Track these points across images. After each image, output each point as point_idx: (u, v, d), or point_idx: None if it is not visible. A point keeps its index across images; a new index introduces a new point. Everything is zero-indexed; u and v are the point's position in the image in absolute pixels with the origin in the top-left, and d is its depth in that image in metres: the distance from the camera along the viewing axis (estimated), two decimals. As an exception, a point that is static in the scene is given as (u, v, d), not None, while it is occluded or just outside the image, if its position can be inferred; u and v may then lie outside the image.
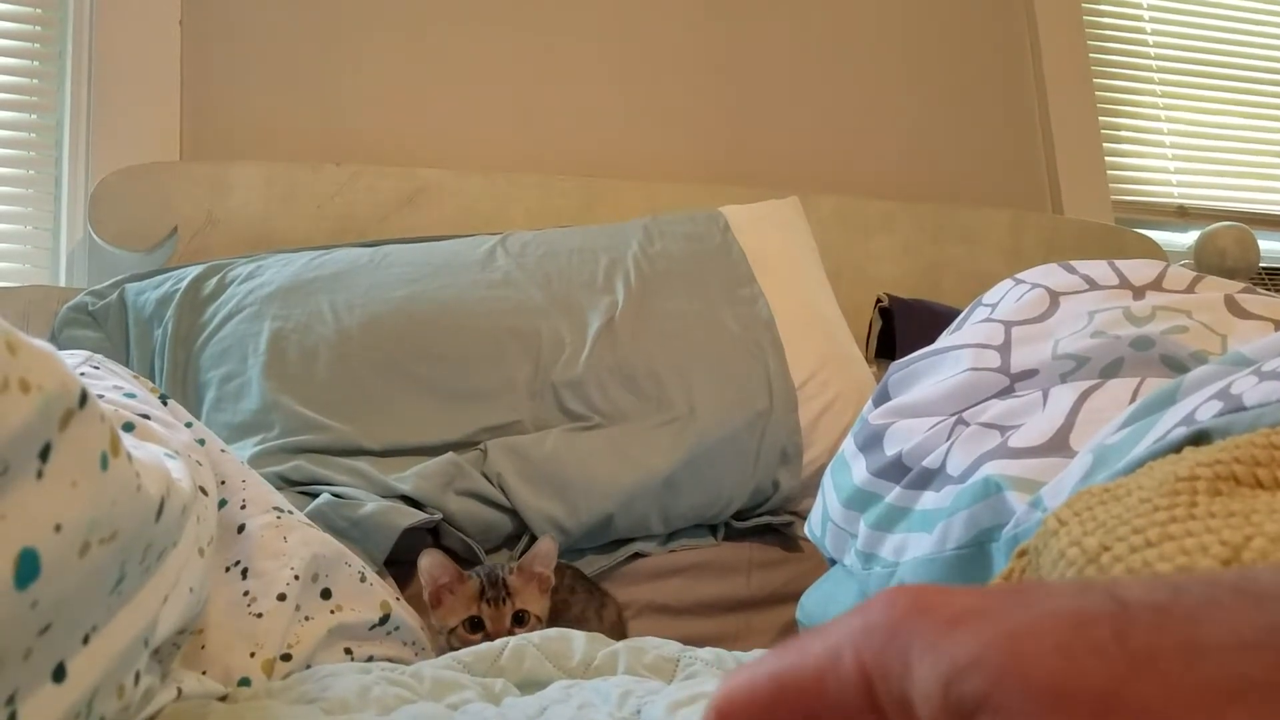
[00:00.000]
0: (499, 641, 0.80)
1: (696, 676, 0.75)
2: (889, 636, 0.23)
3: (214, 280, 1.43)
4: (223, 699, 0.63)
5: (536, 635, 0.82)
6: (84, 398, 0.36)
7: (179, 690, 0.57)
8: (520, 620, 1.07)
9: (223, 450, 0.87)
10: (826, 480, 0.98)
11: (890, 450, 0.87)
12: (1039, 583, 0.24)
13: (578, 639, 0.82)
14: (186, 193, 1.61)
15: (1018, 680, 0.20)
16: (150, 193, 1.59)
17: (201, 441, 0.80)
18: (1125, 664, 0.20)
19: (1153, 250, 2.16)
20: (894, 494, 0.85)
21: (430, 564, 1.08)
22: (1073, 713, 0.20)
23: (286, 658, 0.79)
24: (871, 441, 0.90)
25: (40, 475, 0.34)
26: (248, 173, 1.64)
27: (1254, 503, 0.45)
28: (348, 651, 0.86)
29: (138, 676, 0.46)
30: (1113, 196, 2.38)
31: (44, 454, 0.35)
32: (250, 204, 1.63)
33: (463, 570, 1.09)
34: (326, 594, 0.88)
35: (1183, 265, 1.83)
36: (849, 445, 0.95)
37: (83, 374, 0.75)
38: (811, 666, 0.24)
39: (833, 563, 1.02)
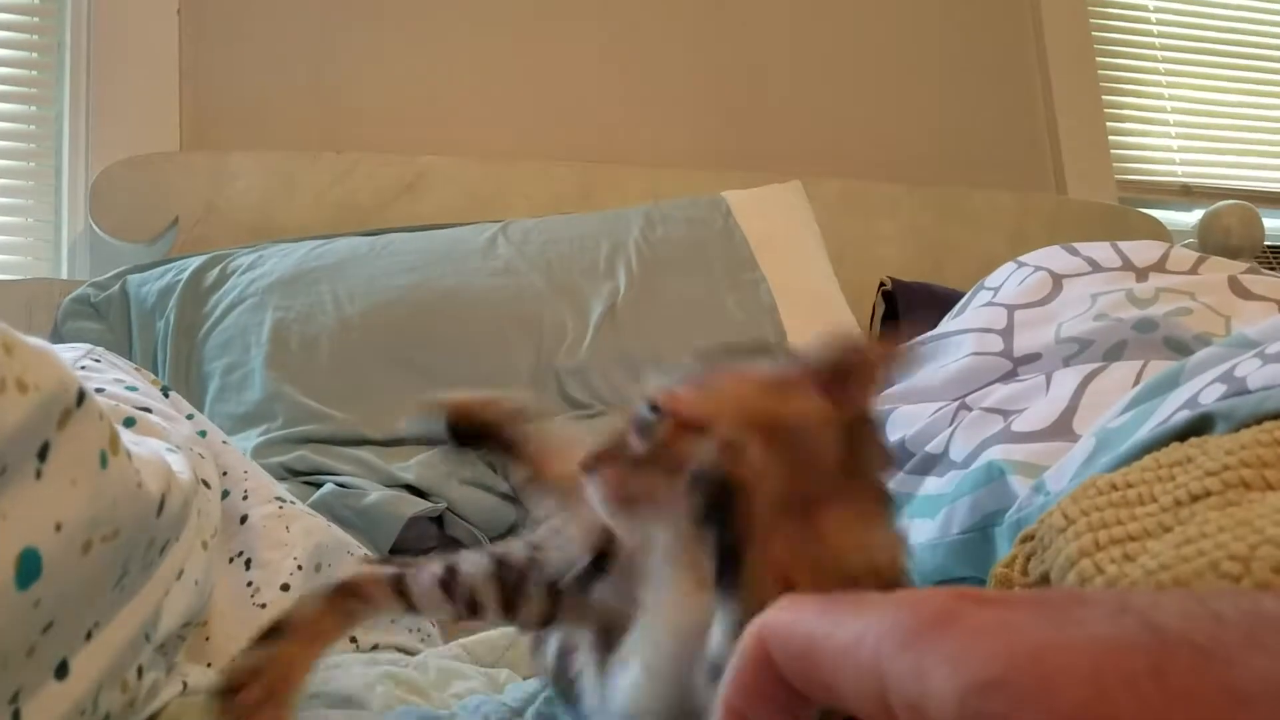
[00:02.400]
0: (507, 630, 0.80)
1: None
2: (909, 640, 0.22)
3: (215, 271, 1.43)
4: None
5: None
6: (82, 396, 0.36)
7: (184, 684, 0.57)
8: None
9: (224, 442, 0.87)
10: (830, 466, 0.98)
11: (893, 435, 0.87)
12: (1071, 596, 0.23)
13: None
14: (186, 183, 1.60)
15: (1043, 708, 0.19)
16: (150, 184, 1.59)
17: (203, 433, 0.80)
18: (1160, 704, 0.19)
19: (1157, 229, 2.15)
20: (897, 479, 0.85)
21: None
22: None
23: None
24: (874, 427, 0.90)
25: (39, 475, 0.34)
26: (247, 162, 1.64)
27: (1260, 507, 0.45)
28: (353, 640, 0.86)
29: (141, 670, 0.46)
30: (1116, 176, 2.37)
31: (42, 453, 0.35)
32: (250, 193, 1.63)
33: None
34: (330, 584, 0.87)
35: (1187, 244, 1.82)
36: (852, 431, 0.94)
37: (83, 367, 0.75)
38: (837, 646, 0.24)
39: (837, 548, 1.02)
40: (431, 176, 1.74)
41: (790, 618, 0.26)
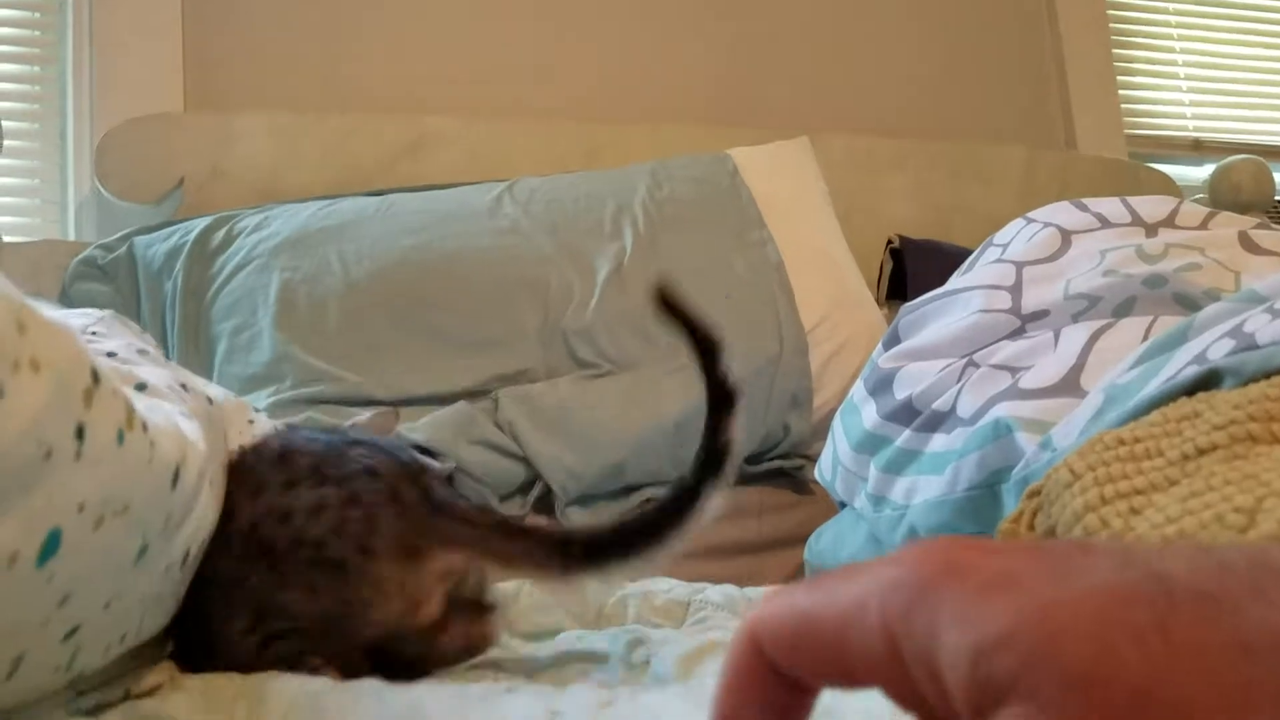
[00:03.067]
0: (512, 588, 0.80)
1: (706, 621, 0.75)
2: (917, 597, 0.22)
3: (222, 232, 1.43)
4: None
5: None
6: (96, 374, 0.36)
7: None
8: None
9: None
10: (836, 424, 0.98)
11: (900, 394, 0.87)
12: (1077, 547, 0.23)
13: (590, 587, 0.82)
14: (191, 144, 1.60)
15: (1050, 663, 0.19)
16: (155, 145, 1.58)
17: (210, 400, 0.80)
18: (1166, 656, 0.19)
19: (1167, 185, 2.13)
20: (904, 437, 0.85)
21: None
22: (1106, 705, 0.19)
23: None
24: (881, 385, 0.90)
25: (78, 456, 0.35)
26: (251, 123, 1.63)
27: (1267, 461, 0.45)
28: None
29: (124, 637, 0.46)
30: (1126, 131, 2.35)
31: (80, 434, 0.35)
32: (255, 154, 1.62)
33: None
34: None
35: (1197, 200, 1.81)
36: (859, 389, 0.95)
37: (95, 333, 0.75)
38: (838, 614, 0.24)
39: (843, 506, 1.02)
40: (436, 136, 1.73)
41: (779, 604, 0.26)
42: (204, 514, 0.52)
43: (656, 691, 0.48)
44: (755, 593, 0.82)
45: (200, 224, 1.44)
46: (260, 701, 0.48)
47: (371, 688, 0.50)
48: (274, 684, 0.50)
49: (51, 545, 0.34)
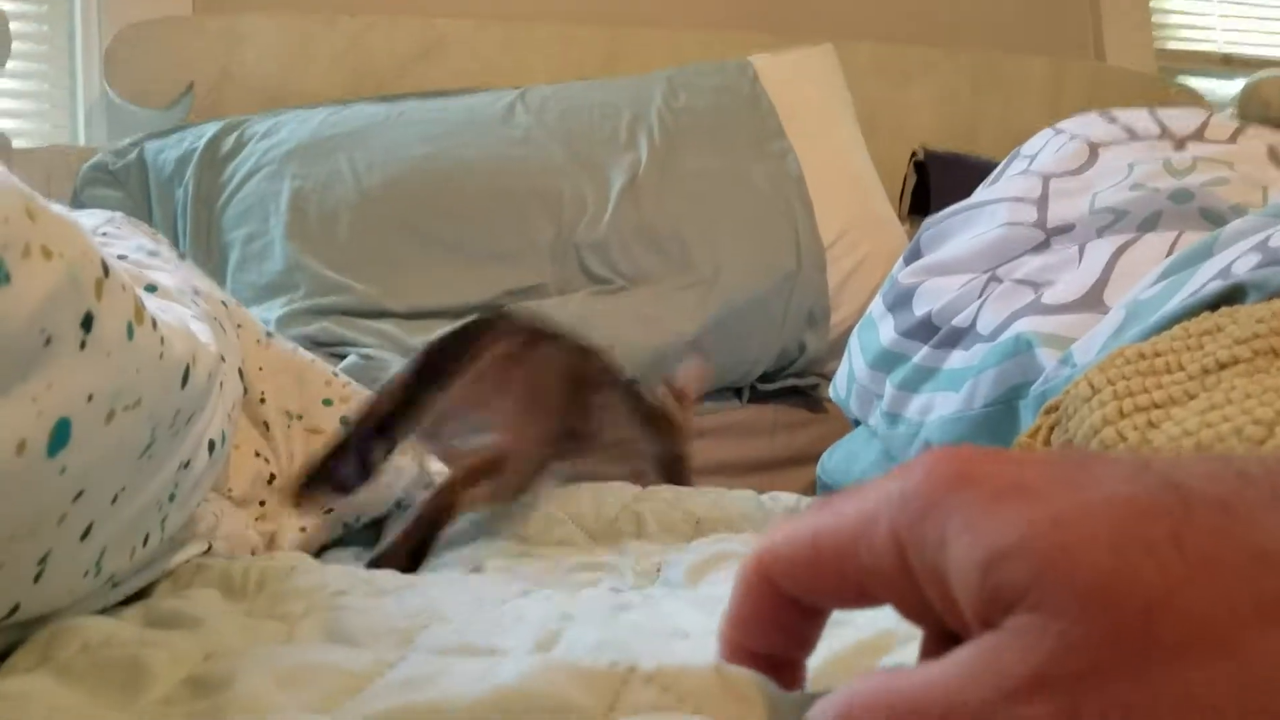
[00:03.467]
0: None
1: (717, 537, 0.76)
2: (926, 507, 0.22)
3: (232, 138, 1.41)
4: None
5: (559, 493, 0.82)
6: (106, 267, 0.36)
7: (209, 545, 0.58)
8: None
9: (239, 326, 0.87)
10: (853, 341, 0.97)
11: (919, 310, 0.86)
12: (1091, 456, 0.22)
13: (606, 502, 0.82)
14: (201, 47, 1.57)
15: (1063, 575, 0.19)
16: (164, 48, 1.55)
17: (224, 302, 0.80)
18: (1180, 568, 0.19)
19: (1196, 100, 2.09)
20: (922, 354, 0.84)
21: None
22: (1118, 616, 0.18)
23: (327, 510, 0.81)
24: (900, 301, 0.89)
25: (83, 346, 0.34)
26: (261, 25, 1.60)
27: None
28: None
29: (147, 539, 0.47)
30: (1156, 44, 2.29)
31: (86, 324, 0.35)
32: (264, 58, 1.59)
33: None
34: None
35: (1226, 115, 1.76)
36: (877, 305, 0.94)
37: (105, 233, 0.75)
38: (847, 530, 0.24)
39: (857, 424, 1.02)
40: (449, 40, 1.69)
41: (787, 532, 0.26)
42: (214, 415, 0.52)
43: (669, 599, 0.48)
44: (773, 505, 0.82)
45: (210, 129, 1.43)
46: (281, 597, 0.48)
47: (391, 585, 0.51)
48: (298, 580, 0.51)
49: (61, 435, 0.34)
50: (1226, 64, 2.40)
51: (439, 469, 0.92)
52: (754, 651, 0.27)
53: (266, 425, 0.86)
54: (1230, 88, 2.33)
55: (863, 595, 0.24)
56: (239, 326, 0.87)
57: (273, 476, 0.82)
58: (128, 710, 0.30)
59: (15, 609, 0.37)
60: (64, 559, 0.38)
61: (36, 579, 0.37)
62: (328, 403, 0.92)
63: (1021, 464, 0.22)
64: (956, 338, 0.81)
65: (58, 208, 0.35)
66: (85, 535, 0.39)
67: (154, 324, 0.40)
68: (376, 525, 0.90)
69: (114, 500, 0.40)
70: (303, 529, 0.77)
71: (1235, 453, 0.42)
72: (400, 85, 1.63)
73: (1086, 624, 0.19)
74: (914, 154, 1.75)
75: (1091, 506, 0.20)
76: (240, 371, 0.79)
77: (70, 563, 0.39)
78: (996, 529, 0.20)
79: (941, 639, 0.23)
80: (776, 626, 0.27)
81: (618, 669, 0.26)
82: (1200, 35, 2.41)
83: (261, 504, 0.81)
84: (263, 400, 0.86)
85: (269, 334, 0.91)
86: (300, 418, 0.90)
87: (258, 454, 0.82)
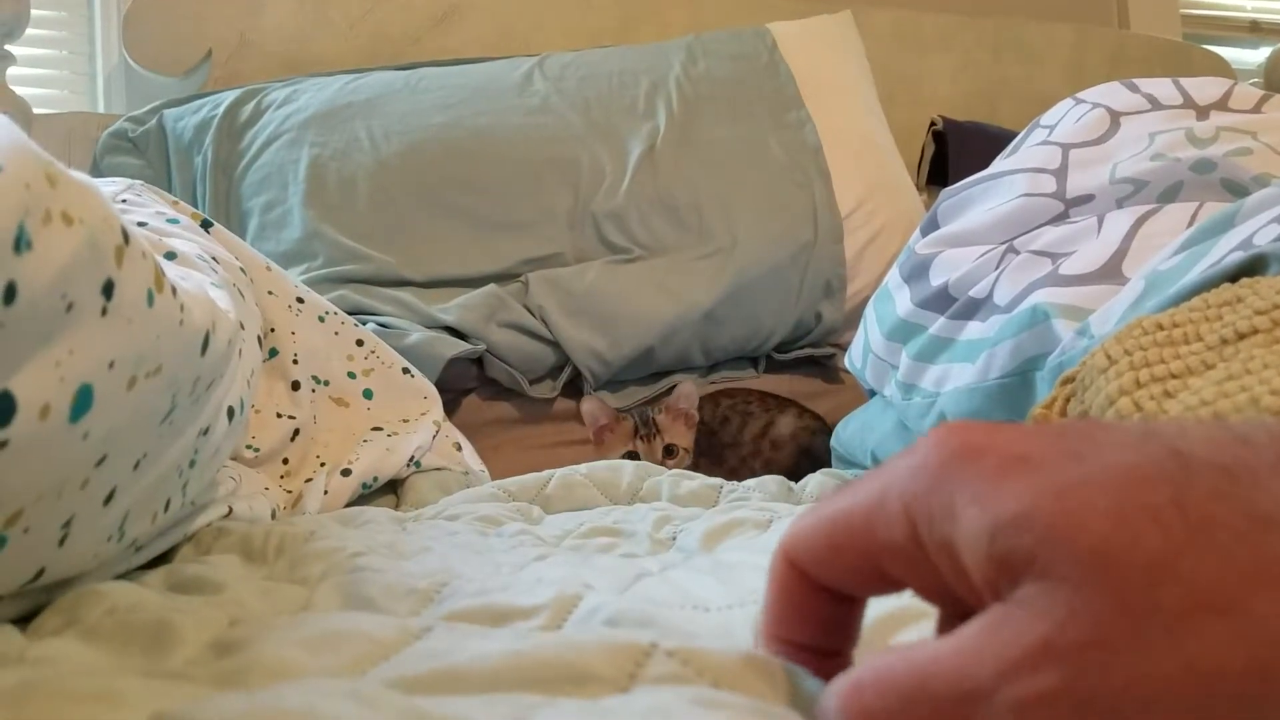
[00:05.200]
0: (545, 473, 0.82)
1: (737, 500, 0.76)
2: (935, 480, 0.22)
3: (250, 105, 1.41)
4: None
5: (584, 466, 0.84)
6: (126, 234, 0.36)
7: (230, 508, 0.59)
8: (670, 453, 1.20)
9: (270, 293, 0.88)
10: (869, 312, 0.97)
11: (936, 280, 0.86)
12: (1096, 426, 0.22)
13: (626, 469, 0.83)
14: (218, 14, 1.57)
15: (1066, 542, 0.19)
16: (182, 14, 1.55)
17: (243, 270, 0.81)
18: (1182, 533, 0.19)
19: (1222, 68, 2.06)
20: (938, 325, 0.84)
21: (591, 408, 1.23)
22: (1121, 582, 0.19)
23: (346, 472, 0.82)
24: (917, 272, 0.89)
25: (105, 312, 0.35)
26: (279, -8, 1.60)
27: None
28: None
29: (168, 504, 0.48)
30: (1181, 10, 2.26)
31: (108, 290, 0.35)
32: (282, 25, 1.59)
33: (618, 412, 1.24)
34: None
35: (1252, 84, 1.74)
36: (893, 276, 0.94)
37: (124, 200, 0.75)
38: (862, 509, 0.24)
39: (872, 394, 1.02)
40: (465, 6, 1.68)
41: (808, 519, 0.26)
42: (233, 382, 0.52)
43: (683, 567, 0.48)
44: (779, 489, 0.83)
45: (229, 97, 1.43)
46: (300, 561, 0.49)
47: (411, 548, 0.52)
48: (317, 543, 0.51)
49: (84, 401, 0.34)
50: (1254, 30, 2.36)
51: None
52: (797, 644, 0.27)
53: (296, 385, 0.87)
54: (1257, 56, 2.29)
55: (882, 575, 0.24)
56: (270, 293, 0.88)
57: (296, 433, 0.83)
58: (154, 673, 0.31)
59: (41, 573, 0.38)
60: (87, 523, 0.39)
61: (61, 543, 0.37)
62: (351, 375, 0.94)
63: (1026, 437, 0.22)
64: (973, 309, 0.80)
65: (78, 174, 0.35)
66: (108, 500, 0.39)
67: (174, 291, 0.41)
68: (392, 485, 0.91)
69: (136, 466, 0.41)
70: (325, 491, 0.78)
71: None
72: (417, 52, 1.62)
73: (1089, 590, 0.19)
74: (932, 123, 1.73)
75: (1095, 475, 0.20)
76: (261, 338, 0.80)
77: (94, 527, 0.39)
78: (1002, 500, 0.21)
79: (956, 617, 0.23)
80: (810, 615, 0.27)
81: (640, 643, 0.27)
82: (1228, 1, 2.37)
83: (285, 462, 0.82)
84: (295, 362, 0.87)
85: (300, 300, 0.92)
86: (327, 384, 0.91)
87: (279, 414, 0.83)
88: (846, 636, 0.27)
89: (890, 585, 0.25)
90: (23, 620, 0.39)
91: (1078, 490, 0.20)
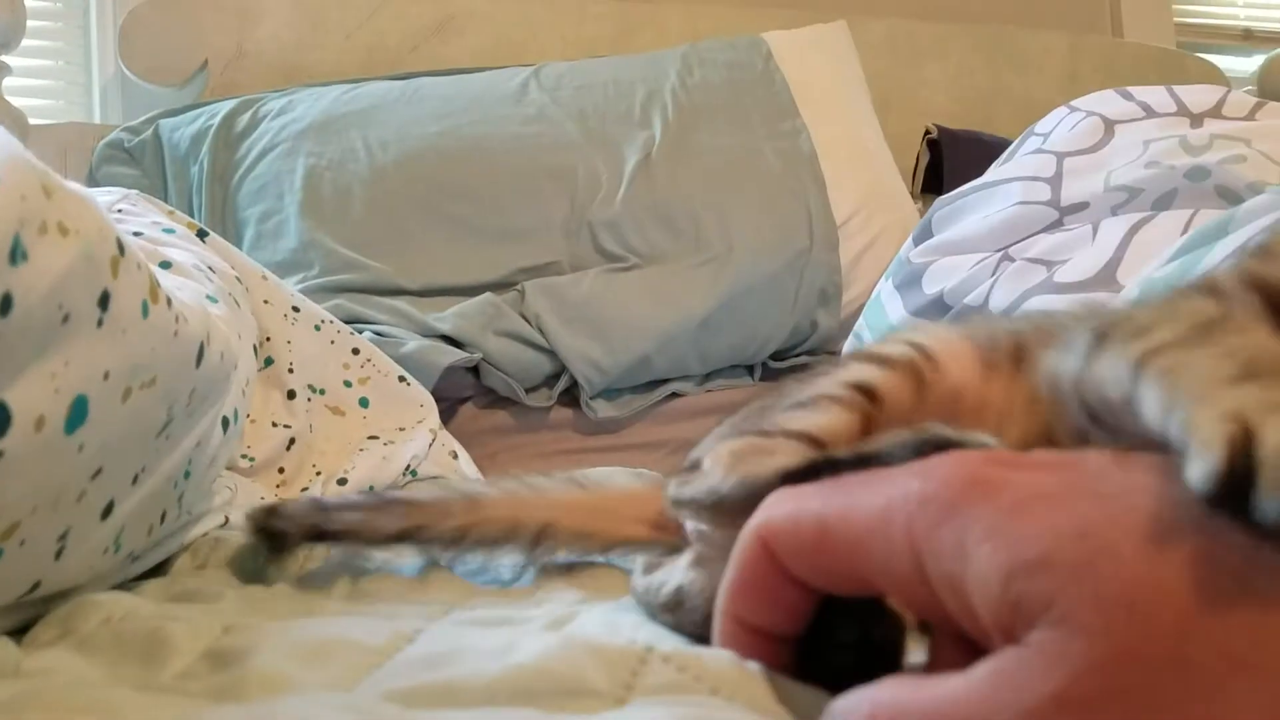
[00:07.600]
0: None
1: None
2: (944, 514, 0.21)
3: (246, 115, 1.41)
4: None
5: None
6: (122, 244, 0.36)
7: (226, 518, 0.59)
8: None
9: (266, 302, 0.88)
10: (861, 322, 0.97)
11: (930, 289, 0.86)
12: (1113, 460, 0.22)
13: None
14: (215, 23, 1.57)
15: (1090, 591, 0.18)
16: (178, 24, 1.56)
17: (239, 279, 0.81)
18: (1213, 587, 0.18)
19: (1215, 76, 2.06)
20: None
21: None
22: (1146, 635, 0.18)
23: (342, 481, 0.82)
24: (910, 280, 0.89)
25: (100, 323, 0.35)
26: (274, 2, 1.60)
27: None
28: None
29: (164, 516, 0.47)
30: (1175, 19, 2.26)
31: (104, 302, 0.35)
32: (279, 35, 1.59)
33: None
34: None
35: (1246, 92, 1.75)
36: (885, 285, 0.94)
37: (120, 210, 0.75)
38: (862, 523, 0.23)
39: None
40: (462, 16, 1.68)
41: (791, 508, 0.25)
42: (229, 393, 0.52)
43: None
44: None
45: (225, 107, 1.43)
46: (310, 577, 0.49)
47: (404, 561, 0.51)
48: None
49: (79, 413, 0.34)
50: (1247, 39, 2.37)
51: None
52: (750, 624, 0.27)
53: (292, 394, 0.87)
54: (1250, 64, 2.30)
55: (866, 586, 0.24)
56: (265, 301, 0.88)
57: (291, 442, 0.83)
58: (149, 685, 0.31)
59: (36, 585, 0.37)
60: (84, 536, 0.38)
61: (58, 555, 0.37)
62: (347, 384, 0.94)
63: (1040, 470, 0.21)
64: (968, 317, 0.81)
65: (74, 185, 0.35)
66: (106, 513, 0.39)
67: (169, 302, 0.41)
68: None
69: (134, 480, 0.40)
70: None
71: None
72: (413, 63, 1.62)
73: (1111, 640, 0.18)
74: (927, 131, 1.74)
75: (1116, 518, 0.19)
76: (256, 347, 0.80)
77: (90, 540, 0.39)
78: (1019, 540, 0.20)
79: (953, 638, 0.23)
80: (775, 602, 0.26)
81: (635, 648, 0.26)
82: (1221, 9, 2.37)
83: (281, 471, 0.82)
84: (291, 370, 0.87)
85: (295, 309, 0.92)
86: (323, 392, 0.91)
87: (275, 423, 0.83)
88: (802, 623, 0.27)
89: (869, 592, 0.24)
90: (18, 632, 0.39)
91: (1098, 533, 0.19)
